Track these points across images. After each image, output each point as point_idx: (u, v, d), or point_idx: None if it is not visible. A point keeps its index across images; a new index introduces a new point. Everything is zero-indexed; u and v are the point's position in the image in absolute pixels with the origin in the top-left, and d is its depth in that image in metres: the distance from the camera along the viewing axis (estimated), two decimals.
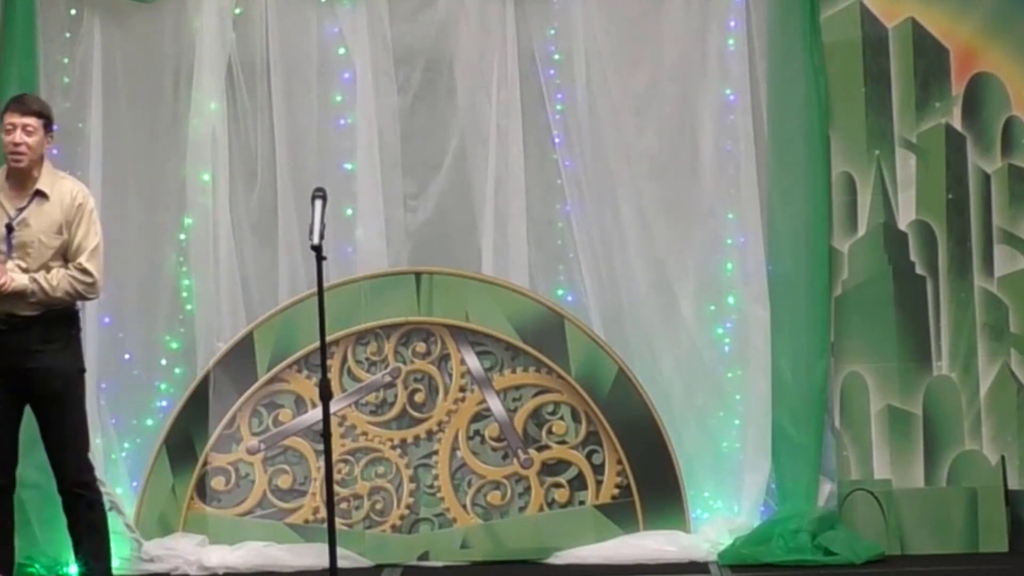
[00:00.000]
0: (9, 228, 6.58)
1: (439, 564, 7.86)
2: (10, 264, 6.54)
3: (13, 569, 6.81)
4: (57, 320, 6.66)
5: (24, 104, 6.72)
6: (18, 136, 6.61)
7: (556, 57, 8.17)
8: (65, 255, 6.67)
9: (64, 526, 7.81)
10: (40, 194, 6.65)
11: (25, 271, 6.58)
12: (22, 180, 6.66)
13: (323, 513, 7.17)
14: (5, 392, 6.61)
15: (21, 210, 6.62)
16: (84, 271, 6.65)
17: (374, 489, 7.97)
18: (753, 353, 8.02)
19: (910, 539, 7.91)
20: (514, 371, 8.00)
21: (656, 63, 8.14)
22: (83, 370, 6.84)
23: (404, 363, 8.00)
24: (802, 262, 7.94)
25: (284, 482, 7.99)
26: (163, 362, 8.14)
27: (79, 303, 6.81)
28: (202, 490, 7.97)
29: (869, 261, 7.99)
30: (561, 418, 7.99)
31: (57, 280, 6.60)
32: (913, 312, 7.97)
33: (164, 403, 8.10)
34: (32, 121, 6.65)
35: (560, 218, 8.17)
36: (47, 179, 6.70)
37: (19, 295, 6.53)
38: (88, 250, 6.67)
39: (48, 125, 6.72)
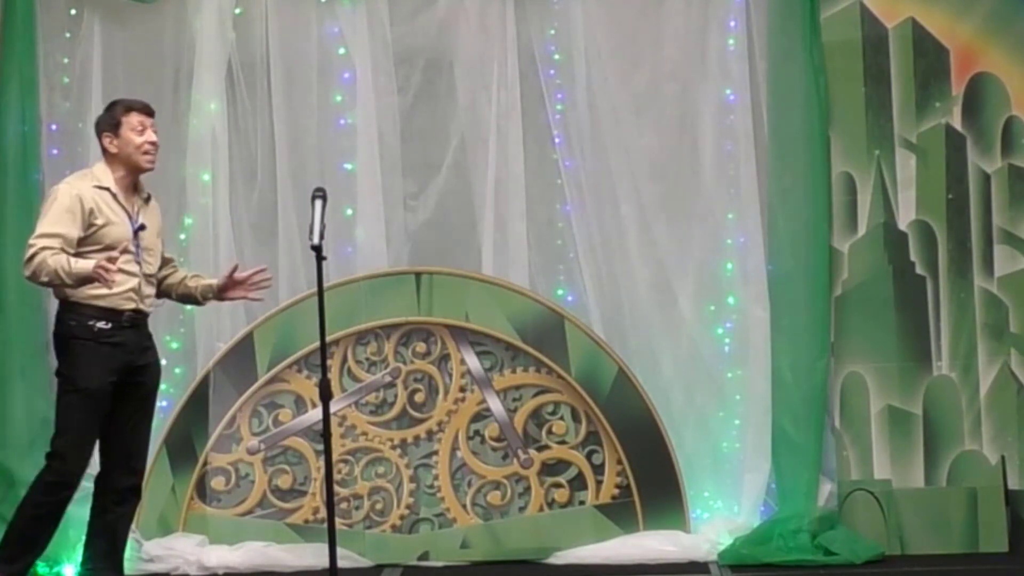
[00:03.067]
0: (141, 228, 6.60)
1: (439, 564, 7.86)
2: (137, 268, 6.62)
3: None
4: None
5: (148, 107, 6.71)
6: (151, 135, 6.63)
7: (556, 57, 8.18)
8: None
9: (65, 526, 7.84)
10: (148, 198, 6.71)
11: (153, 274, 6.70)
12: (133, 182, 6.66)
13: (323, 513, 7.17)
14: (113, 388, 6.59)
15: (139, 212, 6.64)
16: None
17: (374, 489, 7.97)
18: (753, 353, 8.02)
19: (910, 539, 7.91)
20: (514, 371, 8.00)
21: (656, 63, 8.15)
22: None
23: (404, 363, 8.00)
24: (802, 262, 7.94)
25: (284, 482, 7.99)
26: (163, 362, 8.11)
27: None
28: (202, 490, 7.97)
29: (869, 261, 8.00)
30: (561, 418, 7.99)
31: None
32: (913, 312, 7.97)
33: (164, 403, 8.08)
34: (154, 122, 6.69)
35: (560, 218, 8.17)
36: (145, 185, 6.76)
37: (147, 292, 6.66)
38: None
39: None
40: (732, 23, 8.10)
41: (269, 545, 7.87)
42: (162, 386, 8.03)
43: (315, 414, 7.77)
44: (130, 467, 6.73)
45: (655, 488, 7.90)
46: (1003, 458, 7.92)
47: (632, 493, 7.91)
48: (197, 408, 7.97)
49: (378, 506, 7.96)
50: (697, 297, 8.10)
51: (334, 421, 7.70)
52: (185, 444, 7.97)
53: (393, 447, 7.97)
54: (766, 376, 7.96)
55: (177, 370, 8.12)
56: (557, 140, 8.16)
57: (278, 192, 8.13)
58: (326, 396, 6.41)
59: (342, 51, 8.18)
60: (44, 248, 6.38)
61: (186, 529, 7.94)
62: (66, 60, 8.14)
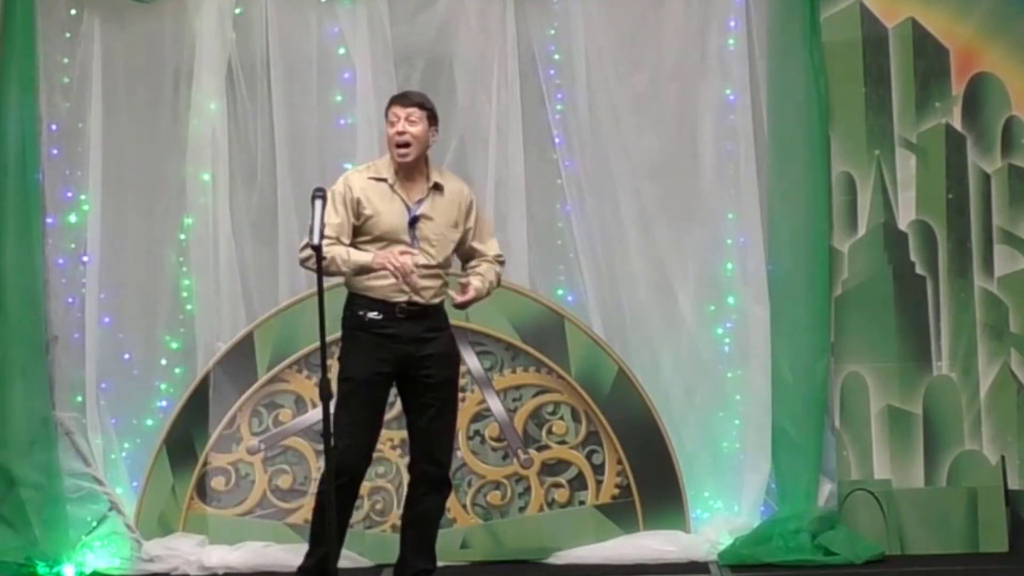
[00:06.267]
0: (415, 220, 6.58)
1: (439, 564, 7.84)
2: (417, 258, 6.56)
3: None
4: (441, 309, 6.71)
5: (406, 97, 6.73)
6: (401, 126, 6.61)
7: (556, 57, 8.17)
8: (458, 249, 6.73)
9: (65, 526, 7.86)
10: (437, 187, 6.66)
11: (433, 265, 6.59)
12: (413, 173, 6.65)
13: None
14: (384, 378, 6.60)
15: (420, 202, 6.62)
16: (503, 261, 6.82)
17: (374, 489, 7.96)
18: (753, 353, 8.02)
19: (910, 539, 7.91)
20: (514, 371, 8.00)
21: (656, 63, 8.15)
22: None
23: None
24: (802, 262, 7.94)
25: (284, 482, 7.99)
26: (163, 362, 8.14)
27: None
28: (202, 490, 7.97)
29: (869, 261, 8.00)
30: (561, 418, 7.99)
31: (490, 274, 6.73)
32: (913, 312, 7.97)
33: (164, 403, 8.10)
34: (416, 111, 6.64)
35: (560, 218, 8.17)
36: (437, 173, 6.72)
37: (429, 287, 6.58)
38: (495, 240, 6.83)
39: (432, 117, 6.69)
40: (732, 23, 8.10)
41: (269, 545, 7.87)
42: (162, 386, 8.07)
43: (315, 414, 7.76)
44: (433, 458, 6.69)
45: (655, 488, 7.90)
46: (1003, 458, 7.92)
47: (632, 493, 7.92)
48: (197, 408, 7.97)
49: (378, 506, 7.96)
50: (697, 297, 8.10)
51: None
52: (185, 444, 7.97)
53: (393, 447, 7.96)
54: (766, 376, 7.96)
55: (177, 370, 8.12)
56: (557, 140, 8.16)
57: (278, 192, 8.13)
58: (326, 396, 6.41)
59: (342, 51, 8.18)
60: (321, 240, 6.43)
61: (186, 529, 7.94)
62: (66, 60, 8.14)
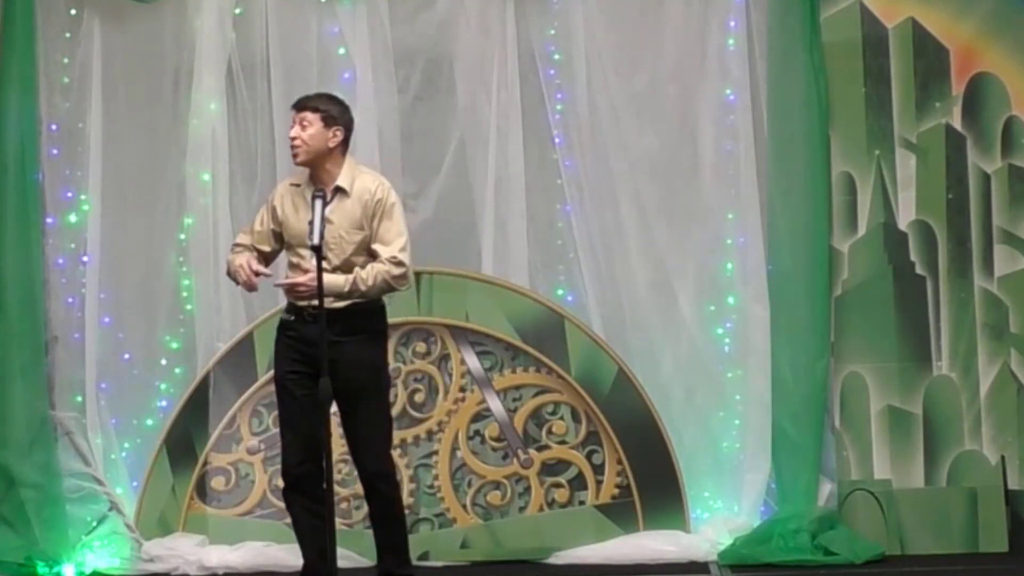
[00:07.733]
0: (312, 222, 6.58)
1: (439, 564, 7.86)
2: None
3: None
4: (365, 313, 6.67)
5: (300, 101, 6.75)
6: (294, 131, 6.66)
7: (556, 57, 8.17)
8: (368, 250, 6.66)
9: (65, 526, 7.87)
10: (340, 190, 6.65)
11: (329, 269, 6.55)
12: (322, 176, 6.66)
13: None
14: (301, 377, 6.62)
15: (322, 208, 6.59)
16: (397, 263, 6.62)
17: None
18: (753, 353, 8.02)
19: (910, 539, 7.91)
20: (514, 371, 8.00)
21: (656, 63, 8.14)
22: (387, 364, 6.89)
23: (404, 363, 8.00)
24: (802, 262, 7.94)
25: None
26: (163, 362, 8.14)
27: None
28: (202, 490, 7.97)
29: (869, 261, 8.00)
30: (561, 418, 7.99)
31: (368, 274, 6.59)
32: (913, 312, 7.97)
33: (164, 403, 8.10)
34: (308, 115, 6.64)
35: (560, 218, 8.17)
36: (347, 175, 6.68)
37: (328, 289, 6.51)
38: (397, 242, 6.65)
39: (328, 119, 6.63)
40: (732, 23, 8.10)
41: (269, 545, 7.88)
42: (162, 386, 8.07)
43: None
44: (361, 463, 6.75)
45: (655, 488, 7.90)
46: (1003, 458, 7.92)
47: (632, 493, 7.91)
48: (197, 408, 7.97)
49: None
50: (697, 297, 8.10)
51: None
52: (185, 444, 7.97)
53: (393, 447, 7.95)
54: (766, 376, 7.96)
55: (177, 370, 8.12)
56: (557, 140, 8.15)
57: None
58: (326, 396, 6.41)
59: (342, 51, 8.18)
60: (233, 244, 6.86)
61: (186, 529, 7.94)
62: (66, 60, 8.14)
